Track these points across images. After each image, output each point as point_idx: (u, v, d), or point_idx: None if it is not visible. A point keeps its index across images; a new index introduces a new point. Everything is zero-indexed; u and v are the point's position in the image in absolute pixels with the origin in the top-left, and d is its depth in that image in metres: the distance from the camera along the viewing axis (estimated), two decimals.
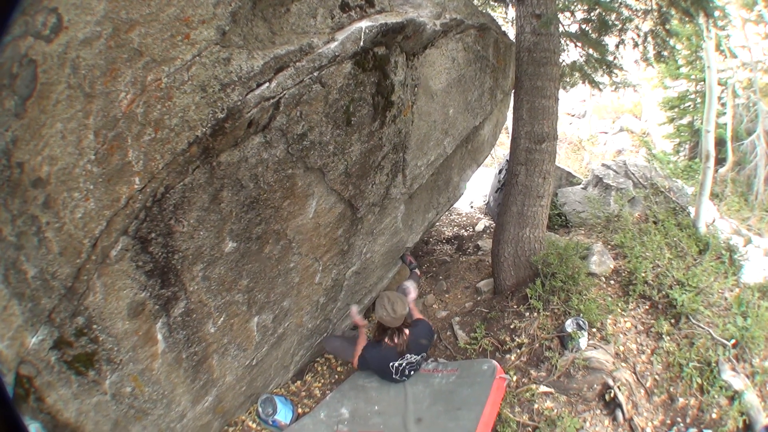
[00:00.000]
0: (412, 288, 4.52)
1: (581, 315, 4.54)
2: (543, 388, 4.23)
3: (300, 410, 4.33)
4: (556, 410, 4.07)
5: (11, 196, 2.33)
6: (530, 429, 3.99)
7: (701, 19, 4.84)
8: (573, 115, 16.79)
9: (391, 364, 4.04)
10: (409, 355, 4.08)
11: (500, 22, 5.93)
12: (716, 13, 4.68)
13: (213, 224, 2.80)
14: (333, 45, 2.87)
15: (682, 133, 11.73)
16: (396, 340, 4.01)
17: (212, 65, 2.35)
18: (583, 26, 4.81)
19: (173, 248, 2.68)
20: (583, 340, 4.39)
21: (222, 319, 3.24)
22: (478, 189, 8.88)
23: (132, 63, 2.23)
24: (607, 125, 15.88)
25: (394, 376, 4.10)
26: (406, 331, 4.04)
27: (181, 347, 3.06)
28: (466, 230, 7.83)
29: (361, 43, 3.02)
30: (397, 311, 3.92)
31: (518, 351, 4.55)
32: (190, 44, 2.30)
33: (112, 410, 2.84)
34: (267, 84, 2.60)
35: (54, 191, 2.29)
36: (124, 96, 2.24)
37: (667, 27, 4.91)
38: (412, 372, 4.19)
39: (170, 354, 3.00)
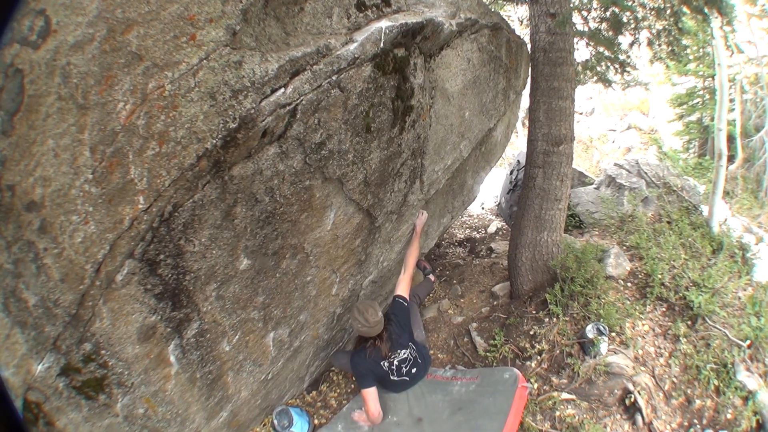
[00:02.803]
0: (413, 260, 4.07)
1: (601, 319, 4.22)
2: (565, 395, 3.93)
3: (316, 421, 4.03)
4: (577, 417, 3.78)
5: (4, 222, 2.01)
6: None
7: (713, 18, 4.49)
8: (581, 113, 16.25)
9: (382, 363, 3.68)
10: (395, 354, 3.73)
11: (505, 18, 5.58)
12: (729, 12, 4.32)
13: (226, 242, 2.46)
14: (352, 46, 2.53)
15: (691, 130, 11.28)
16: (377, 344, 3.64)
17: (222, 69, 2.00)
18: (597, 25, 4.45)
19: (184, 269, 2.35)
20: (604, 346, 4.08)
21: (237, 337, 2.92)
22: (489, 190, 8.51)
23: (130, 69, 1.88)
24: (615, 122, 15.37)
25: (392, 377, 3.73)
26: (384, 334, 3.67)
27: (195, 367, 2.75)
28: (479, 232, 7.46)
29: (381, 45, 2.69)
30: (370, 320, 3.52)
31: (539, 358, 4.22)
32: (196, 46, 1.95)
33: (124, 431, 2.56)
34: (282, 89, 2.25)
35: (50, 215, 1.96)
36: (123, 106, 1.89)
37: (680, 25, 4.56)
38: (414, 369, 3.82)
39: (184, 375, 2.70)
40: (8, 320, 2.17)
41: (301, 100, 2.35)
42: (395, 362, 3.73)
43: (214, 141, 2.06)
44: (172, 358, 2.58)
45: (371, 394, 3.60)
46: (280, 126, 2.35)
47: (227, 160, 2.21)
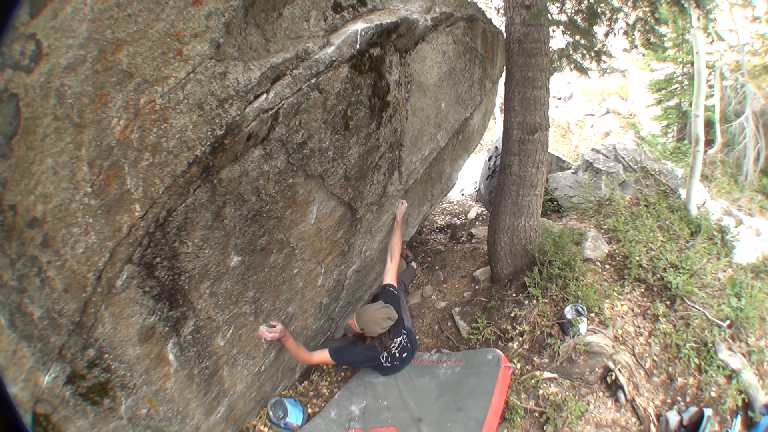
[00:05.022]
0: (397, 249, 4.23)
1: (579, 301, 4.48)
2: (547, 374, 4.19)
3: (310, 410, 4.25)
4: (560, 395, 4.05)
5: (7, 241, 2.15)
6: (537, 414, 3.96)
7: (691, 9, 4.66)
8: (559, 98, 16.43)
9: (381, 355, 3.91)
10: (391, 342, 3.95)
11: (482, 7, 5.71)
12: (708, 5, 4.50)
13: (217, 241, 2.64)
14: (329, 50, 2.68)
15: (669, 115, 11.56)
16: (375, 338, 3.87)
17: (208, 81, 2.16)
18: (573, 16, 4.61)
19: (179, 270, 2.52)
20: (583, 326, 4.35)
21: (231, 331, 3.11)
22: (468, 176, 8.71)
23: (122, 86, 2.03)
24: (594, 107, 15.62)
25: (385, 364, 3.97)
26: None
27: (193, 364, 2.93)
28: (459, 218, 7.70)
29: (357, 46, 2.84)
30: (393, 316, 3.78)
31: (520, 339, 4.48)
32: (183, 61, 2.10)
33: None
34: (265, 95, 2.41)
35: (52, 229, 2.10)
36: (117, 122, 2.04)
37: (657, 15, 4.74)
38: (405, 354, 4.05)
39: (182, 372, 2.87)
40: (15, 336, 2.30)
41: (283, 104, 2.50)
42: (392, 350, 3.95)
43: (203, 148, 2.22)
44: (171, 357, 2.74)
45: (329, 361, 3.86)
46: (263, 129, 2.50)
47: (215, 164, 2.37)
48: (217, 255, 2.68)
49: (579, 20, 4.63)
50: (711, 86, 9.83)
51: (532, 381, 4.14)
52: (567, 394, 4.04)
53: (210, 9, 2.13)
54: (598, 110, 15.51)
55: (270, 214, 2.89)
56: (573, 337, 4.32)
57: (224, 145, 2.31)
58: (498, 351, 4.08)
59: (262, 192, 2.73)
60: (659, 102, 11.87)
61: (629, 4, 4.70)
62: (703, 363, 4.18)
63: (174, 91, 2.09)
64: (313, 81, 2.63)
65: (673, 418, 3.88)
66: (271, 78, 2.43)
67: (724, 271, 5.07)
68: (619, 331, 4.43)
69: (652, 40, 5.02)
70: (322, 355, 3.84)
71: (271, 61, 2.42)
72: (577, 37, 4.98)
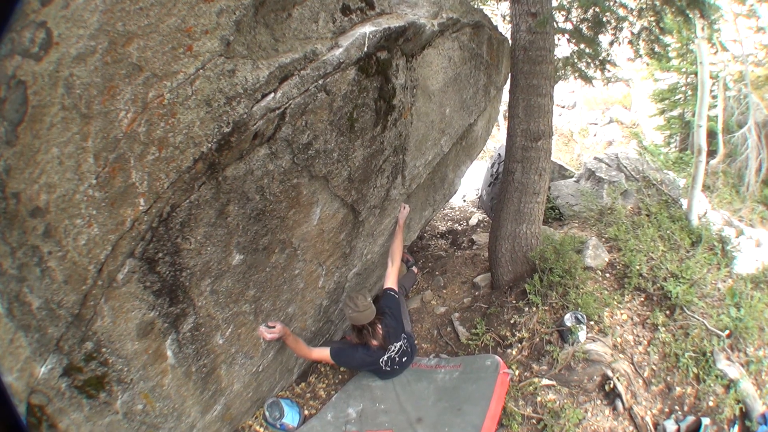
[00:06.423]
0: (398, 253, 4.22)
1: (579, 309, 4.45)
2: (545, 381, 4.16)
3: (306, 412, 4.21)
4: (558, 402, 4.01)
5: (9, 229, 2.12)
6: (535, 421, 3.93)
7: (696, 19, 4.67)
8: (563, 107, 16.43)
9: (380, 360, 3.91)
10: (391, 346, 3.95)
11: (488, 14, 5.72)
12: (712, 16, 4.51)
13: (220, 239, 2.62)
14: (338, 52, 2.68)
15: (672, 125, 11.59)
16: (374, 342, 3.84)
17: (217, 78, 2.16)
18: (578, 24, 4.62)
19: (181, 266, 2.50)
20: (582, 334, 4.32)
21: (230, 330, 3.09)
22: (470, 183, 8.70)
23: (131, 79, 2.02)
24: (597, 116, 15.61)
25: (384, 368, 3.96)
26: (379, 326, 3.85)
27: (191, 361, 2.90)
28: (460, 224, 7.68)
29: (365, 49, 2.84)
30: (360, 305, 3.73)
31: (519, 345, 4.46)
32: (193, 57, 2.10)
33: (124, 428, 2.71)
34: (272, 94, 2.41)
35: (54, 220, 2.09)
36: (125, 115, 2.03)
37: (661, 25, 4.75)
38: (404, 359, 4.05)
39: (180, 369, 2.85)
40: (12, 325, 2.28)
41: (290, 104, 2.50)
42: (393, 354, 3.94)
43: (210, 145, 2.21)
44: (169, 353, 2.72)
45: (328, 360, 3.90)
46: (270, 129, 2.49)
47: (221, 162, 2.36)
48: (219, 252, 2.67)
49: (584, 29, 4.63)
50: (714, 96, 9.83)
51: (531, 388, 4.10)
52: (565, 401, 4.01)
53: (221, 6, 2.13)
54: (601, 119, 15.49)
55: (273, 214, 2.87)
56: (572, 344, 4.30)
57: (230, 142, 2.31)
58: (497, 357, 4.06)
59: (266, 191, 2.73)
60: (662, 112, 11.89)
61: (634, 13, 4.71)
62: (701, 372, 4.17)
63: (183, 86, 2.09)
64: (320, 82, 2.63)
65: (671, 427, 3.86)
66: (279, 77, 2.42)
67: (724, 282, 5.06)
68: (618, 340, 4.41)
69: (657, 49, 5.02)
70: (322, 353, 3.86)
71: (280, 61, 2.42)
72: (582, 46, 4.97)
